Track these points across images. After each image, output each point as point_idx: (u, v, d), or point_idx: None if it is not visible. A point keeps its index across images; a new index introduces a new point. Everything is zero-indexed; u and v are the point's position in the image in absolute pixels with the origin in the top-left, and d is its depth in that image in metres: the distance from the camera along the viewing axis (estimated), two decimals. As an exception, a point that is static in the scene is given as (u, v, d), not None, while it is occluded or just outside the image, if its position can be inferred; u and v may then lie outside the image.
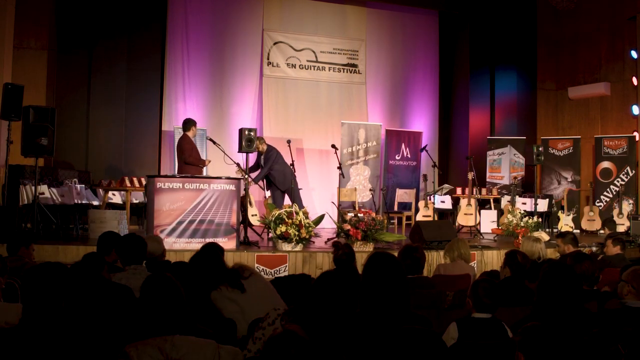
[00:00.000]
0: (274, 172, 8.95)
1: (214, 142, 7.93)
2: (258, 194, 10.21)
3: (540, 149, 10.00)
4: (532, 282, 4.00)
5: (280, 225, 6.89)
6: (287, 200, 8.81)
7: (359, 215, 7.40)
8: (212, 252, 3.83)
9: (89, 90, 10.50)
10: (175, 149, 8.80)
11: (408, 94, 12.77)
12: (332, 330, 2.43)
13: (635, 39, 11.17)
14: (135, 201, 9.34)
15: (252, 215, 8.43)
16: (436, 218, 10.41)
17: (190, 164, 7.80)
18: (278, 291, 3.89)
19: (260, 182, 9.14)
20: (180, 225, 6.71)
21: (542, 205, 10.75)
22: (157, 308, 2.43)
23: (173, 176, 7.66)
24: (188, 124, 8.06)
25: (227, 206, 6.92)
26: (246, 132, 8.34)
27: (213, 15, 11.39)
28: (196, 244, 6.63)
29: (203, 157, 8.91)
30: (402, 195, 11.21)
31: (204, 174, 7.91)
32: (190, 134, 7.97)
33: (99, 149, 10.47)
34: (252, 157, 9.16)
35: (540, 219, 9.23)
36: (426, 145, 11.38)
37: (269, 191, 9.27)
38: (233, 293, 3.59)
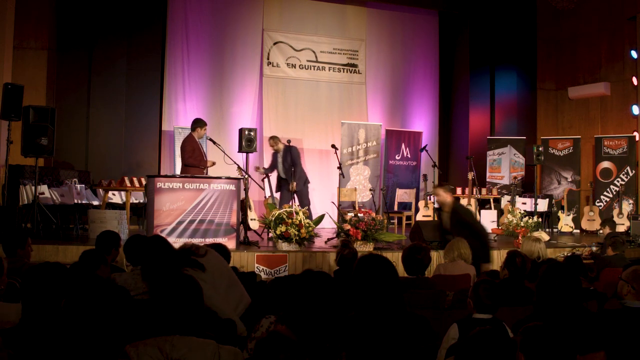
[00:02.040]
0: (298, 170, 9.06)
1: (214, 142, 7.93)
2: (258, 194, 10.21)
3: (540, 149, 10.00)
4: (531, 282, 4.00)
5: (280, 225, 6.89)
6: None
7: (359, 215, 7.40)
8: (157, 241, 3.81)
9: (89, 90, 10.50)
10: (178, 149, 8.81)
11: (408, 94, 12.77)
12: (322, 331, 2.43)
13: (635, 39, 11.18)
14: (135, 201, 9.34)
15: (252, 220, 8.44)
16: (436, 218, 10.40)
17: (190, 165, 7.78)
18: (278, 291, 3.88)
19: (261, 183, 9.15)
20: (180, 225, 6.70)
21: (542, 205, 10.76)
22: (181, 307, 2.42)
23: (173, 176, 7.66)
24: (194, 124, 7.99)
25: (227, 206, 6.92)
26: (246, 132, 8.36)
27: (213, 15, 11.39)
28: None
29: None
30: (402, 195, 11.22)
31: (205, 173, 7.87)
32: (195, 134, 7.93)
33: (99, 149, 10.46)
34: (252, 157, 9.18)
35: (540, 219, 9.24)
36: (426, 145, 11.38)
37: (278, 193, 9.27)
38: (197, 274, 3.51)
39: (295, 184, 8.75)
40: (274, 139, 9.25)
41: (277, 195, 9.35)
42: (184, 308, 2.42)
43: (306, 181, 9.24)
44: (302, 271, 2.69)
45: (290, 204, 7.87)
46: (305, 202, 8.99)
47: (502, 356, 2.03)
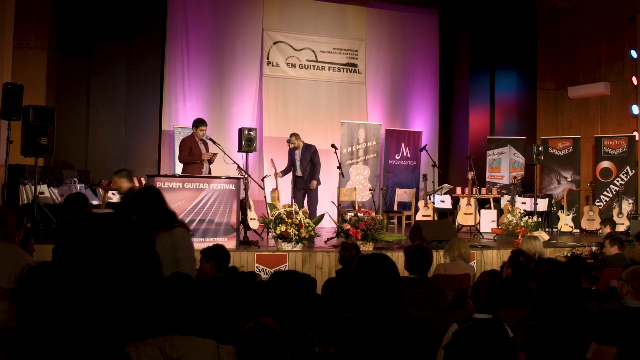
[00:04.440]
0: (319, 169, 9.20)
1: (214, 142, 7.92)
2: (258, 194, 10.20)
3: (540, 148, 10.00)
4: (532, 282, 4.00)
5: (280, 225, 6.89)
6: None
7: (359, 215, 7.41)
8: (155, 192, 3.87)
9: (89, 90, 10.49)
10: (178, 149, 8.80)
11: (408, 94, 12.77)
12: (303, 324, 2.46)
13: (635, 39, 11.17)
14: (135, 201, 9.32)
15: (252, 220, 8.44)
16: (436, 218, 10.41)
17: (187, 163, 7.79)
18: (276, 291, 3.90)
19: (261, 182, 9.14)
20: (180, 225, 6.69)
21: (542, 205, 10.75)
22: (178, 307, 2.42)
23: (173, 176, 7.66)
24: (194, 124, 8.00)
25: (227, 206, 6.92)
26: (246, 132, 8.35)
27: (213, 15, 11.39)
28: (196, 244, 6.59)
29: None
30: (402, 195, 11.21)
31: (207, 172, 7.84)
32: (195, 134, 7.91)
33: (99, 149, 10.45)
34: (252, 157, 9.18)
35: (540, 219, 9.24)
36: (426, 145, 11.38)
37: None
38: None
39: (315, 182, 8.95)
40: (295, 137, 9.30)
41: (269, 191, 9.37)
42: (182, 308, 2.42)
43: (319, 181, 9.31)
44: (301, 271, 2.71)
45: (291, 203, 7.87)
46: (316, 201, 9.07)
47: (492, 351, 2.04)
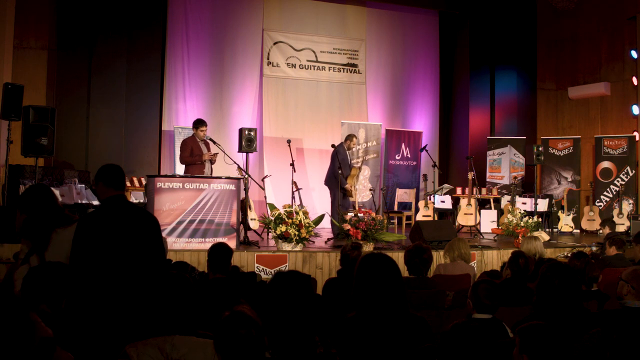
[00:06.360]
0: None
1: (214, 142, 7.93)
2: (258, 194, 10.21)
3: (540, 148, 10.00)
4: (531, 282, 4.00)
5: (280, 225, 6.89)
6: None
7: (359, 215, 7.41)
8: (45, 188, 3.69)
9: (89, 90, 10.49)
10: (178, 149, 8.80)
11: (408, 94, 12.77)
12: (298, 322, 2.48)
13: (635, 39, 11.18)
14: (135, 201, 9.34)
15: (252, 220, 8.44)
16: (436, 218, 10.41)
17: (187, 164, 7.79)
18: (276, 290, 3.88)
19: (261, 182, 9.14)
20: (180, 225, 6.70)
21: (542, 205, 10.75)
22: (173, 306, 2.42)
23: (173, 176, 7.66)
24: (193, 124, 8.00)
25: (227, 206, 6.92)
26: (246, 132, 8.36)
27: (213, 15, 11.39)
28: (196, 244, 6.65)
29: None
30: (402, 195, 11.22)
31: (209, 172, 7.84)
32: (196, 135, 7.92)
33: (99, 149, 10.45)
34: (252, 157, 9.17)
35: (540, 219, 9.23)
36: (426, 145, 11.37)
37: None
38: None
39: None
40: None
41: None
42: (182, 308, 2.43)
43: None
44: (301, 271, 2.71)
45: (291, 203, 7.87)
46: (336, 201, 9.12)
47: (479, 349, 2.05)
